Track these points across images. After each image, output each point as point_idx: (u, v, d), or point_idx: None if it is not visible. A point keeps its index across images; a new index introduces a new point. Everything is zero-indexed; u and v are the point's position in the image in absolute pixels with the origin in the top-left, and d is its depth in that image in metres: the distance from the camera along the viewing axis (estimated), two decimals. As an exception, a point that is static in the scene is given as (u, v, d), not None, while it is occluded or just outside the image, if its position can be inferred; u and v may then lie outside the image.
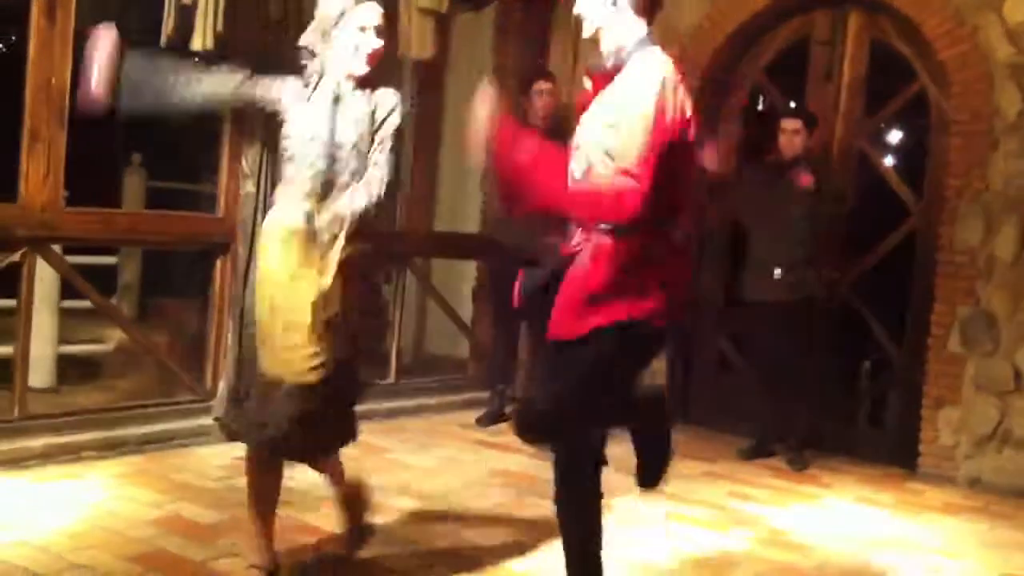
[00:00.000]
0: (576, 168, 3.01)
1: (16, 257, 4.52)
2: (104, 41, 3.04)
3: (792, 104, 6.56)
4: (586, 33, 3.08)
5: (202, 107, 3.25)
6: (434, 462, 5.22)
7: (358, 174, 3.30)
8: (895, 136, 9.19)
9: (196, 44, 4.77)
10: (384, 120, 3.35)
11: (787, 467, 5.68)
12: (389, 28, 5.63)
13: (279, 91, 3.32)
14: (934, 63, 5.84)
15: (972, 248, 5.64)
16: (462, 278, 7.31)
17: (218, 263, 5.20)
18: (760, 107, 7.89)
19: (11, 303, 4.70)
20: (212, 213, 5.31)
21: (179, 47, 4.84)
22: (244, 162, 5.06)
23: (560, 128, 6.06)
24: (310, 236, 3.23)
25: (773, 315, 5.66)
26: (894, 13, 5.96)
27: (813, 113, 5.96)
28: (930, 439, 5.75)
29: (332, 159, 3.25)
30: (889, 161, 7.98)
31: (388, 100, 3.37)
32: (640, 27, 3.05)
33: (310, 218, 3.23)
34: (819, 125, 5.95)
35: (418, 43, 5.75)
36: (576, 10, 3.09)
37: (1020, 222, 5.51)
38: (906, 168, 6.91)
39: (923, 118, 6.23)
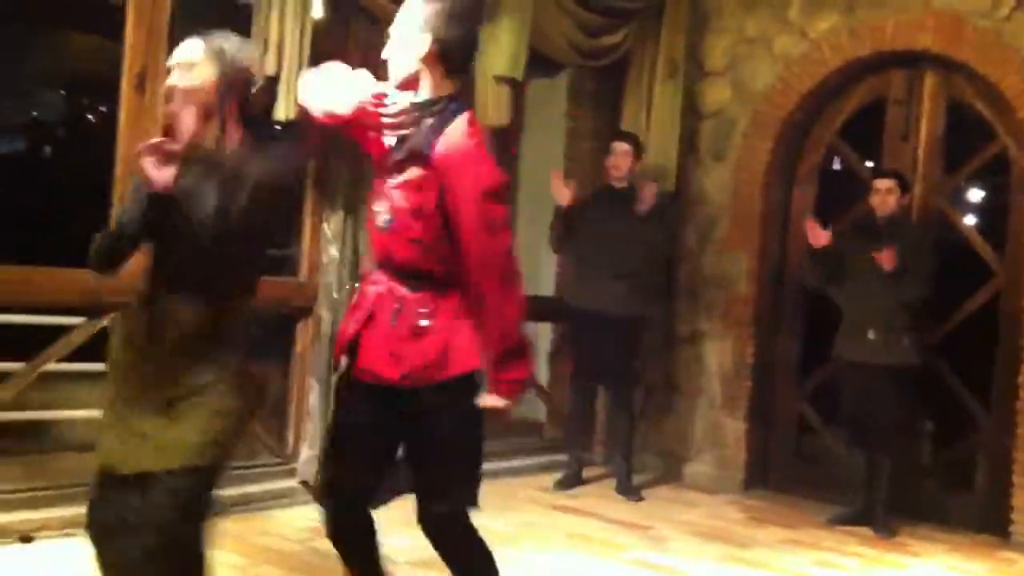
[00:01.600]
0: None
1: (106, 322, 4.63)
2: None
3: (869, 164, 6.53)
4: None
5: None
6: (510, 527, 5.19)
7: None
8: (976, 195, 9.07)
9: (279, 114, 4.89)
10: None
11: (873, 534, 5.54)
12: (466, 96, 5.76)
13: None
14: (1014, 121, 5.77)
15: (1058, 308, 5.53)
16: (537, 340, 7.31)
17: (299, 327, 5.27)
18: (836, 167, 7.84)
19: (100, 367, 4.79)
20: (294, 278, 5.40)
21: (261, 117, 4.96)
22: (327, 227, 5.15)
23: (634, 189, 6.10)
24: None
25: (864, 377, 5.57)
26: (971, 72, 5.92)
27: (904, 173, 5.92)
28: (1022, 506, 5.58)
29: None
30: (970, 221, 7.87)
31: None
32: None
33: None
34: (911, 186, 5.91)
35: (494, 110, 5.83)
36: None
37: (1109, 281, 5.39)
38: (988, 228, 6.79)
39: (1004, 177, 6.15)
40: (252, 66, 2.87)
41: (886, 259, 5.47)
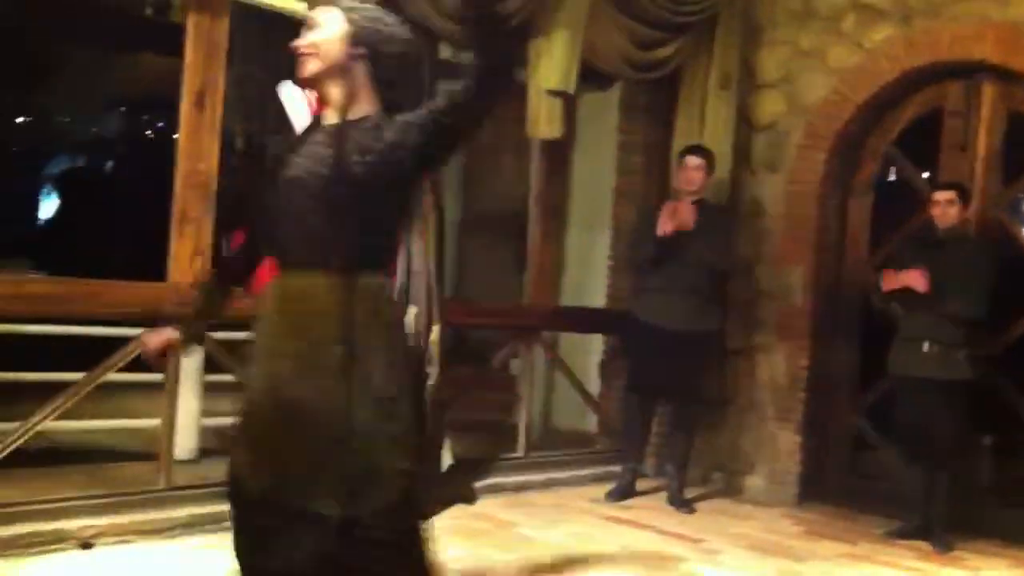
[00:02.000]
0: None
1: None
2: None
3: (925, 175, 6.46)
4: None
5: None
6: (563, 538, 5.20)
7: None
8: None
9: (334, 128, 4.96)
10: None
11: (932, 549, 5.47)
12: (519, 110, 5.80)
13: None
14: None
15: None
16: (589, 352, 7.33)
17: (353, 338, 5.32)
18: (891, 178, 7.77)
19: (159, 378, 4.89)
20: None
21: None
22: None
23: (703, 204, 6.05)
24: None
25: (918, 391, 5.51)
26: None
27: (965, 184, 5.85)
28: (1084, 523, 5.48)
29: None
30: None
31: None
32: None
33: None
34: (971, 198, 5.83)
35: (546, 124, 5.86)
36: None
37: None
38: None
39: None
40: (387, 29, 2.68)
41: (917, 281, 5.43)
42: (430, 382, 5.23)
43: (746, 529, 5.70)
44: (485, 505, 5.61)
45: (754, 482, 6.53)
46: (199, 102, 4.80)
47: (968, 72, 6.14)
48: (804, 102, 6.54)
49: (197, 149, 4.79)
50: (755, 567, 4.96)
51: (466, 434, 6.33)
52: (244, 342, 6.68)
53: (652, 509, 5.96)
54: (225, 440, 6.30)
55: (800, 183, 6.53)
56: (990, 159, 6.11)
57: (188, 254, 4.76)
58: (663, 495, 6.15)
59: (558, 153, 6.67)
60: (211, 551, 4.42)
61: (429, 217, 5.23)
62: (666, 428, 6.50)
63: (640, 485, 6.28)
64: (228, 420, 6.47)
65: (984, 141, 6.12)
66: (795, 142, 6.57)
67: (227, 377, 5.43)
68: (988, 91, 6.11)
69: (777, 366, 6.51)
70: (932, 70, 6.21)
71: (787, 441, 6.44)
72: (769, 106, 6.71)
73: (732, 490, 6.55)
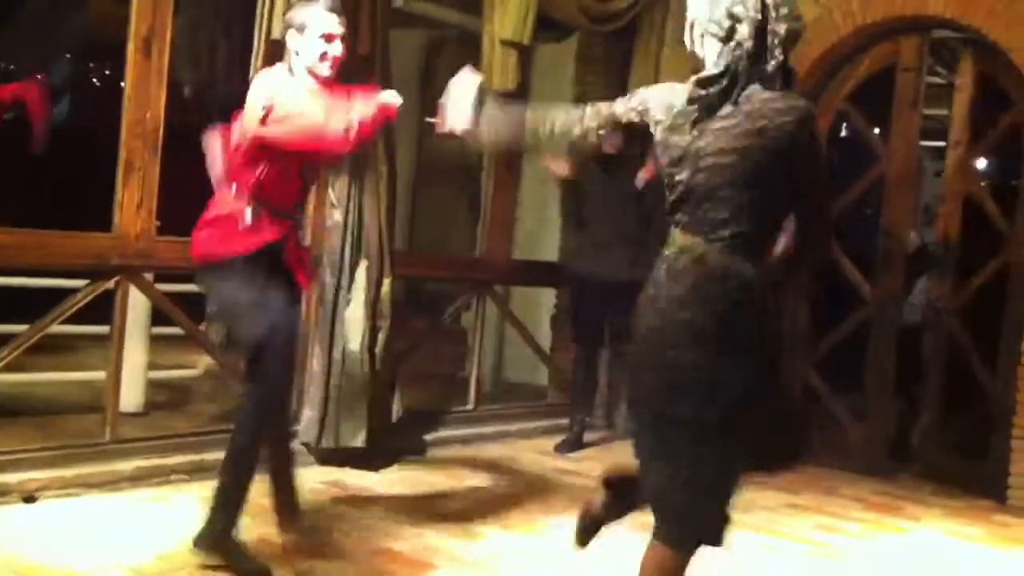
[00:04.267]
0: None
1: (110, 285, 4.65)
2: (469, 81, 3.00)
3: (877, 131, 6.49)
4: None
5: (556, 146, 3.26)
6: (514, 489, 5.23)
7: None
8: (992, 165, 9.02)
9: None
10: None
11: None
12: (473, 60, 5.74)
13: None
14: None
15: (1067, 276, 5.51)
16: (541, 306, 7.33)
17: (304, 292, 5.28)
18: (843, 134, 7.81)
19: (104, 330, 4.83)
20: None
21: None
22: (331, 192, 5.14)
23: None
24: None
25: None
26: (983, 40, 5.86)
27: None
28: (1020, 471, 5.60)
29: None
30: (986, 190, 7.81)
31: None
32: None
33: None
34: (907, 153, 5.88)
35: (501, 75, 5.80)
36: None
37: (1116, 251, 5.37)
38: (1002, 197, 6.75)
39: (1016, 145, 6.11)
40: None
41: None
42: (382, 334, 5.24)
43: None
44: (436, 457, 5.65)
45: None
46: (146, 48, 4.68)
47: (923, 28, 6.15)
48: (760, 56, 6.51)
49: (144, 97, 4.68)
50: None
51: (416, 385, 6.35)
52: (193, 295, 6.62)
53: (601, 460, 5.99)
54: (172, 394, 6.29)
55: (755, 137, 6.52)
56: (962, 120, 6.15)
57: (134, 204, 4.67)
58: (611, 446, 6.19)
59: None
60: (157, 504, 4.40)
61: (380, 169, 5.20)
62: (609, 378, 6.57)
63: (589, 437, 6.32)
64: (175, 373, 6.45)
65: (958, 102, 6.16)
66: (750, 96, 6.55)
67: (174, 330, 5.37)
68: (964, 54, 6.14)
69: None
70: (886, 25, 6.21)
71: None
72: (724, 60, 6.67)
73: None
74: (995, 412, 5.91)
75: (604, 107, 2.92)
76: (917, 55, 6.21)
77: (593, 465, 5.85)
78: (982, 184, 6.68)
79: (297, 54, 3.69)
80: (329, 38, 3.67)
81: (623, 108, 2.89)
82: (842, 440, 6.33)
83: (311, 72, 3.69)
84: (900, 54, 6.27)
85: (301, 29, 3.68)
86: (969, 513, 5.48)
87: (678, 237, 2.70)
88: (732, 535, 2.86)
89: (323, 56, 3.67)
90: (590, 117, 2.91)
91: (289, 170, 3.70)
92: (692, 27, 2.83)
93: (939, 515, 5.40)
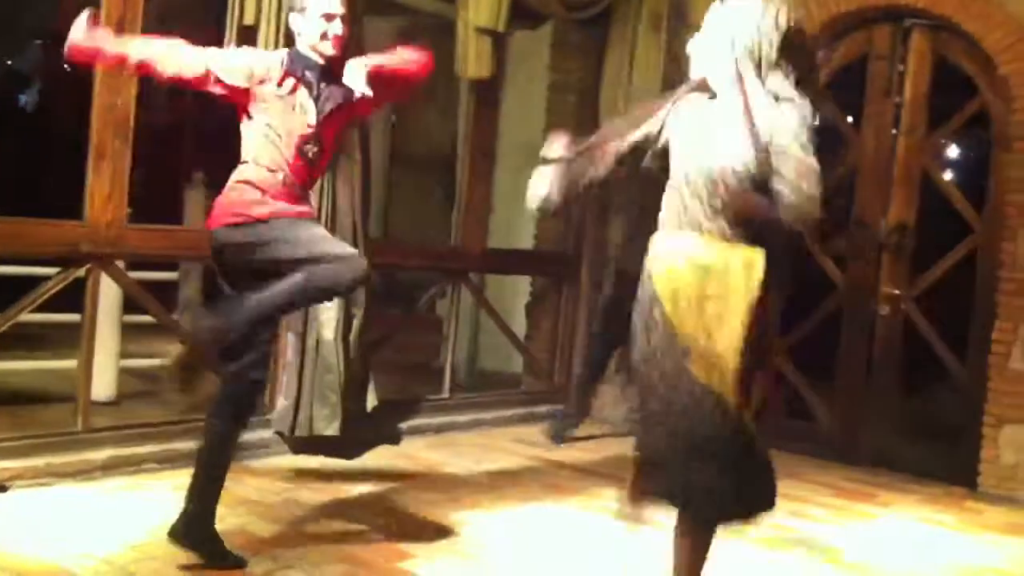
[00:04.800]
0: None
1: (81, 273, 4.61)
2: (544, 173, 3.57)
3: (850, 119, 6.52)
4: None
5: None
6: (489, 477, 5.23)
7: None
8: (957, 152, 9.07)
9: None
10: None
11: None
12: (448, 48, 5.73)
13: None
14: (996, 78, 5.77)
15: (1036, 265, 5.57)
16: (516, 294, 7.34)
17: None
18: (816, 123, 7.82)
19: (75, 318, 4.79)
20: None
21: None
22: (304, 179, 5.11)
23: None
24: None
25: None
26: (955, 28, 5.90)
27: None
28: (991, 458, 5.66)
29: None
30: (951, 177, 7.87)
31: None
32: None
33: None
34: (880, 141, 5.90)
35: (475, 62, 5.79)
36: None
37: (1085, 239, 5.42)
38: (969, 185, 6.80)
39: (986, 133, 6.15)
40: None
41: None
42: (356, 323, 5.23)
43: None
44: (410, 445, 5.64)
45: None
46: (117, 35, 4.63)
47: (896, 17, 6.18)
48: (735, 44, 6.53)
49: (115, 83, 4.64)
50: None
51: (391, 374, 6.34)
52: (165, 283, 6.58)
53: (577, 449, 6.02)
54: (144, 383, 6.25)
55: (728, 125, 6.54)
56: (915, 104, 6.17)
57: (105, 192, 4.63)
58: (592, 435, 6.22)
59: (488, 92, 6.59)
60: (129, 493, 4.38)
61: (354, 156, 5.17)
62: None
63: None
64: (148, 361, 6.42)
65: (910, 86, 6.18)
66: (723, 84, 6.57)
67: (146, 318, 5.34)
68: (916, 37, 6.15)
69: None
70: (860, 15, 6.24)
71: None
72: (699, 48, 6.68)
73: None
74: (964, 400, 5.96)
75: (613, 147, 3.28)
76: (890, 44, 6.23)
77: (568, 454, 5.88)
78: (943, 169, 6.70)
79: (299, 35, 3.80)
80: (329, 17, 3.76)
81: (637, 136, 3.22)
82: (813, 427, 6.38)
83: (314, 50, 3.76)
84: (873, 43, 6.30)
85: (302, 10, 3.78)
86: (941, 499, 5.53)
87: None
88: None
89: (324, 35, 3.76)
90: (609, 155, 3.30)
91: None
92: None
93: (910, 502, 5.45)
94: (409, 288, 7.32)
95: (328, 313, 5.06)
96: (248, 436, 5.03)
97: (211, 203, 3.80)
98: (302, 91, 3.72)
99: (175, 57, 3.67)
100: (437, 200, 8.47)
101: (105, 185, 4.63)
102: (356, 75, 3.80)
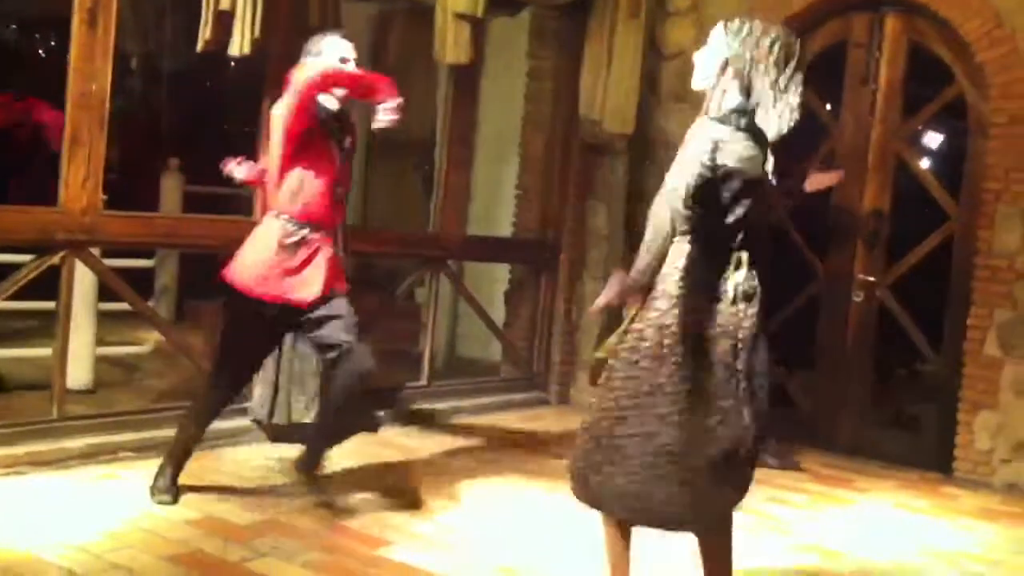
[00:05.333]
0: None
1: (56, 260, 4.58)
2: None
3: (828, 107, 6.53)
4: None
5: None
6: (468, 464, 5.23)
7: None
8: (934, 140, 9.10)
9: (234, 50, 4.81)
10: None
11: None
12: (427, 34, 5.71)
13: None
14: (973, 66, 5.79)
15: (1011, 252, 5.60)
16: (495, 281, 7.33)
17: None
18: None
19: (50, 305, 4.76)
20: (248, 217, 5.35)
21: (216, 53, 4.88)
22: (280, 166, 5.08)
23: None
24: None
25: None
26: (932, 15, 5.92)
27: None
28: (966, 443, 5.71)
29: None
30: (928, 165, 7.91)
31: None
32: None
33: None
34: (858, 128, 5.91)
35: (454, 48, 5.76)
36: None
37: (1060, 226, 5.46)
38: (945, 172, 6.84)
39: (962, 121, 6.18)
40: None
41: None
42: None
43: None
44: (389, 433, 5.63)
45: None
46: (91, 20, 4.59)
47: (874, 5, 6.19)
48: (713, 31, 6.53)
49: (89, 69, 4.59)
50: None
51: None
52: (141, 270, 6.54)
53: (556, 436, 6.02)
54: (121, 371, 6.22)
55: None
56: (892, 91, 6.19)
57: (80, 178, 4.60)
58: (567, 423, 6.22)
59: (466, 79, 6.57)
60: (107, 482, 4.36)
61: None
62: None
63: (543, 411, 6.35)
64: (124, 349, 6.38)
65: (886, 73, 6.20)
66: (703, 72, 6.57)
67: (122, 306, 5.31)
68: (892, 23, 6.17)
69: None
70: (839, 2, 6.25)
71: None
72: (678, 35, 6.69)
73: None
74: (939, 387, 6.00)
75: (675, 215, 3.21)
76: (868, 32, 6.25)
77: (548, 439, 5.89)
78: (920, 157, 6.73)
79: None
80: (344, 61, 4.20)
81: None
82: (792, 413, 6.41)
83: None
84: (851, 30, 6.31)
85: (318, 55, 4.17)
86: (917, 485, 5.58)
87: None
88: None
89: None
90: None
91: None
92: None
93: (887, 487, 5.48)
94: (387, 275, 7.31)
95: (306, 301, 5.04)
96: (225, 424, 5.04)
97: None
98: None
99: None
100: (416, 187, 8.44)
101: (80, 171, 4.59)
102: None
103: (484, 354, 7.34)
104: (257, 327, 4.18)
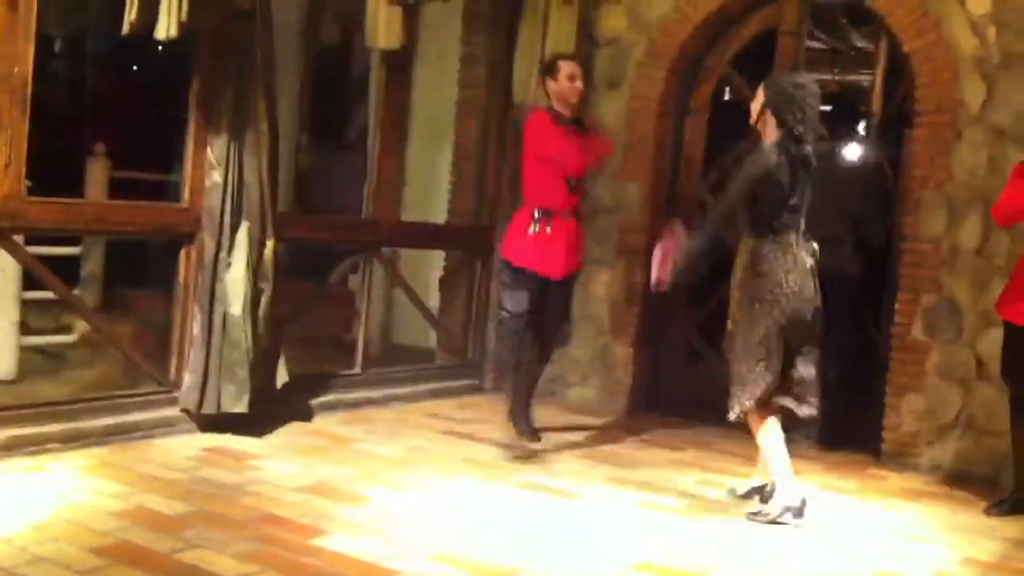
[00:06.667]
0: None
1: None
2: (676, 239, 4.66)
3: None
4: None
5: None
6: (402, 452, 5.21)
7: None
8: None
9: (160, 33, 4.71)
10: None
11: None
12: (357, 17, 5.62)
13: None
14: (900, 55, 5.88)
15: (936, 237, 5.70)
16: (430, 268, 7.30)
17: (183, 253, 5.15)
18: (727, 98, 7.92)
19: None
20: (177, 203, 5.26)
21: (142, 36, 4.78)
22: (210, 151, 5.00)
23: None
24: None
25: None
26: (858, 5, 6.00)
27: None
28: (893, 425, 5.81)
29: None
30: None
31: None
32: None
33: None
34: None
35: (386, 33, 5.72)
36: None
37: (983, 212, 5.56)
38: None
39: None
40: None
41: None
42: (264, 298, 5.15)
43: (579, 439, 5.84)
44: (322, 422, 5.60)
45: (587, 393, 6.67)
46: (12, 2, 4.47)
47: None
48: (646, 19, 6.56)
49: (10, 51, 4.46)
50: (588, 474, 5.09)
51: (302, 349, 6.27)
52: (67, 258, 6.41)
53: (490, 423, 6.02)
54: (46, 360, 6.09)
55: (640, 100, 6.59)
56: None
57: (1, 164, 4.47)
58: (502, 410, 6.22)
59: (399, 64, 6.52)
60: (31, 474, 4.26)
61: (261, 127, 5.08)
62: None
63: (477, 399, 6.35)
64: (50, 338, 6.26)
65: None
66: (636, 59, 6.61)
67: (47, 294, 5.19)
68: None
69: (614, 281, 6.63)
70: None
71: (621, 354, 6.60)
72: (612, 22, 6.71)
73: (567, 400, 6.70)
74: (872, 369, 6.10)
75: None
76: (797, 19, 6.32)
77: (482, 427, 5.88)
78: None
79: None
80: (571, 79, 5.36)
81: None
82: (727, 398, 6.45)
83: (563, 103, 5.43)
84: (781, 18, 6.37)
85: (554, 73, 5.38)
86: (846, 467, 5.67)
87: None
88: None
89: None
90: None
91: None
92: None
93: (816, 470, 5.55)
94: (320, 261, 7.24)
95: (235, 288, 4.97)
96: (153, 414, 4.98)
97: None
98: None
99: None
100: (351, 173, 8.38)
101: (1, 157, 4.46)
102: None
103: (419, 341, 7.31)
104: None
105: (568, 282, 5.55)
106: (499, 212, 6.87)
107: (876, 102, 6.32)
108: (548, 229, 5.29)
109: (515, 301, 5.38)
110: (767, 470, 4.67)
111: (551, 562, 3.78)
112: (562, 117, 5.36)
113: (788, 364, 4.55)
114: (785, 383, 4.56)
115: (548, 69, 5.49)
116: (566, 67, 5.41)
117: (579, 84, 5.42)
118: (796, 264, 4.48)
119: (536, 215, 5.29)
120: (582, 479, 5.01)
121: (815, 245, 4.62)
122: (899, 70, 6.12)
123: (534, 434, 5.59)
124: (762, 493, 4.72)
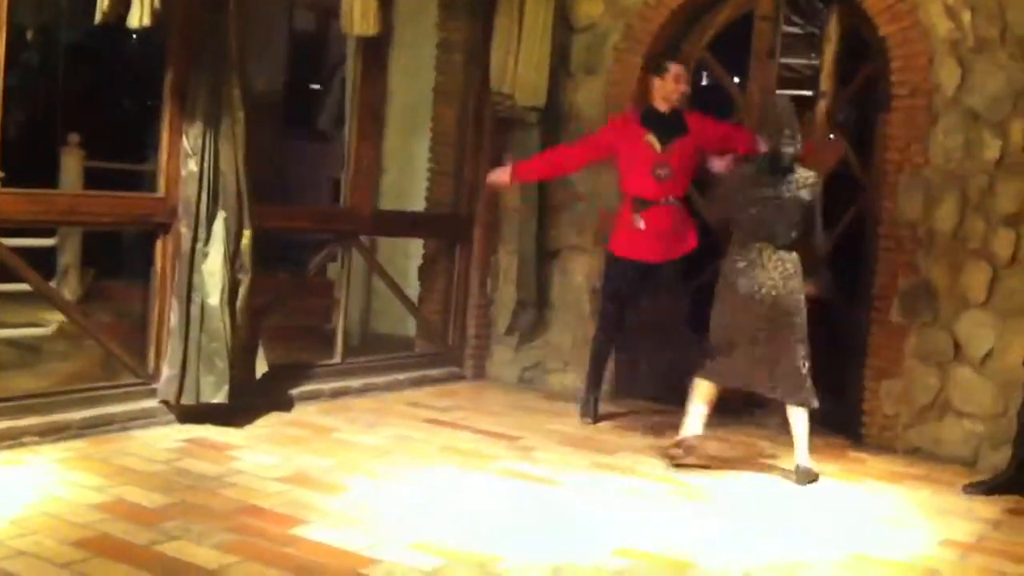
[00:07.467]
0: None
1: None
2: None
3: (736, 80, 6.59)
4: None
5: None
6: (383, 441, 5.21)
7: None
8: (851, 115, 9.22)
9: (133, 22, 4.65)
10: None
11: None
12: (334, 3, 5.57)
13: None
14: (876, 39, 5.90)
15: (913, 221, 5.73)
16: (408, 257, 7.28)
17: (159, 243, 5.11)
18: (704, 83, 7.93)
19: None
20: (153, 193, 5.22)
21: (115, 24, 4.73)
22: (185, 140, 4.97)
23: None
24: None
25: None
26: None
27: None
28: (872, 409, 5.85)
29: None
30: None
31: None
32: None
33: None
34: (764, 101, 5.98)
35: (361, 19, 5.68)
36: None
37: (959, 196, 5.60)
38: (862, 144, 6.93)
39: (872, 94, 6.26)
40: None
41: None
42: (242, 288, 5.12)
43: (559, 426, 5.84)
44: (302, 412, 5.58)
45: (568, 379, 6.67)
46: None
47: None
48: (623, 4, 6.55)
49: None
50: (568, 461, 5.10)
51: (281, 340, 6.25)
52: (42, 249, 6.35)
53: (469, 410, 6.02)
54: (22, 353, 6.04)
55: (617, 86, 6.58)
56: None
57: (-27, 154, 4.43)
58: (482, 398, 6.23)
59: (375, 51, 6.47)
60: (9, 467, 4.23)
61: (236, 115, 5.04)
62: None
63: (457, 387, 6.34)
64: (26, 331, 6.20)
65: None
66: (613, 44, 6.60)
67: (22, 286, 5.14)
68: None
69: (593, 267, 6.62)
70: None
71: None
72: (588, 8, 6.69)
73: (547, 387, 6.70)
74: (851, 354, 6.12)
75: None
76: (773, 4, 6.32)
77: (461, 415, 5.88)
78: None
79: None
80: (677, 80, 5.76)
81: None
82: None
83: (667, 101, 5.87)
84: (757, 3, 6.37)
85: (663, 73, 5.81)
86: (826, 451, 5.67)
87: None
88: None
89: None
90: None
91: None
92: None
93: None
94: (299, 251, 7.21)
95: (213, 278, 4.95)
96: (131, 405, 4.95)
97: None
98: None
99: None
100: (329, 161, 8.35)
101: (-27, 147, 4.43)
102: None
103: (399, 330, 7.30)
104: None
105: (665, 266, 5.94)
106: (477, 199, 6.86)
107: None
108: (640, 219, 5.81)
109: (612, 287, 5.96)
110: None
111: (532, 549, 3.79)
112: (654, 114, 5.84)
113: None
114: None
115: (657, 68, 5.92)
116: (675, 68, 5.86)
117: (684, 86, 5.88)
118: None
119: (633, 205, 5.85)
120: (563, 466, 5.02)
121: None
122: (860, 53, 6.13)
123: (597, 415, 6.02)
124: None
